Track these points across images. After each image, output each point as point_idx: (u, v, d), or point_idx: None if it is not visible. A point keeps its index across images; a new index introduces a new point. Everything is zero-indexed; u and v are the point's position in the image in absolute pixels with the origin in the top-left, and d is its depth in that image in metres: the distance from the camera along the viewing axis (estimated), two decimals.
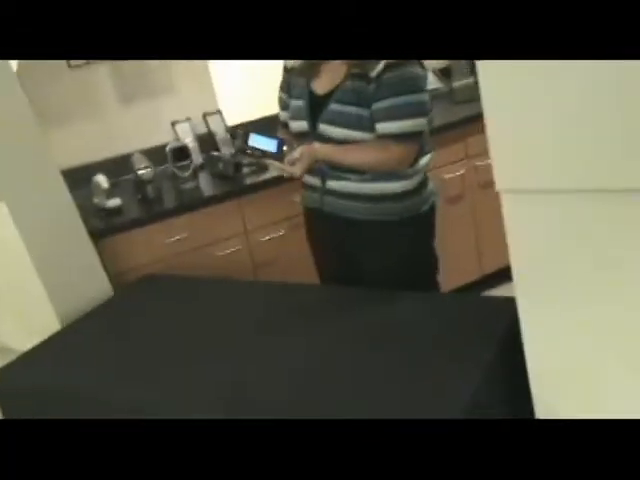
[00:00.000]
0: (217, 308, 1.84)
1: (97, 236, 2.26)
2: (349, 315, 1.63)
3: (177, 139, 2.78)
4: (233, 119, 2.97)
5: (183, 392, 1.44)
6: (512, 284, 1.27)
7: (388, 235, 1.85)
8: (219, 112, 2.94)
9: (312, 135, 1.83)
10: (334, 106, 1.78)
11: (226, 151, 2.74)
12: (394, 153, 1.74)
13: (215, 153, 2.74)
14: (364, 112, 1.73)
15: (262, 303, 1.84)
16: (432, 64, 3.06)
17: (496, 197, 1.21)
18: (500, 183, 1.17)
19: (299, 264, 2.26)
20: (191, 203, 2.50)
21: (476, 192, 2.85)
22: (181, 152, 2.62)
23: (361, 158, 1.77)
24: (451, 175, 2.80)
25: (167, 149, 2.61)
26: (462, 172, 2.83)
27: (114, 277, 2.25)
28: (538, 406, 1.37)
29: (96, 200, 2.46)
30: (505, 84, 1.12)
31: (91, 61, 2.74)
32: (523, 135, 1.13)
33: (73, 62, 2.72)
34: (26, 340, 1.90)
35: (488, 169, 1.20)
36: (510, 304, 1.29)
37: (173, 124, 2.86)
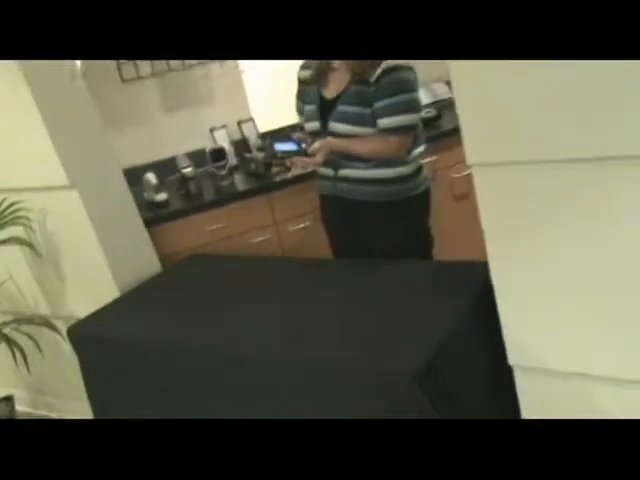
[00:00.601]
0: (253, 278, 2.21)
1: (147, 225, 2.63)
2: (353, 280, 2.00)
3: (215, 143, 3.17)
4: (264, 126, 3.35)
5: (243, 333, 1.80)
6: None
7: (391, 212, 2.20)
8: (252, 120, 3.32)
9: (323, 132, 2.20)
10: (341, 107, 2.14)
11: (258, 153, 3.11)
12: (394, 143, 2.10)
13: (248, 155, 3.12)
14: (366, 111, 2.09)
15: (285, 272, 2.23)
16: (444, 76, 3.40)
17: None
18: (470, 158, 1.46)
19: (321, 250, 2.61)
20: (227, 197, 2.87)
21: None
22: (219, 154, 3.00)
23: (368, 148, 2.13)
24: (458, 175, 3.14)
25: (207, 151, 2.99)
26: (469, 172, 3.15)
27: (162, 259, 2.62)
28: (511, 353, 1.63)
29: (146, 195, 2.85)
30: (473, 76, 1.37)
31: (141, 76, 3.15)
32: (488, 117, 1.39)
33: (125, 76, 3.13)
34: (90, 308, 2.28)
35: None
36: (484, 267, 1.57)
37: (211, 130, 3.25)
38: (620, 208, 1.35)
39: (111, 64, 3.08)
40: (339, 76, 2.17)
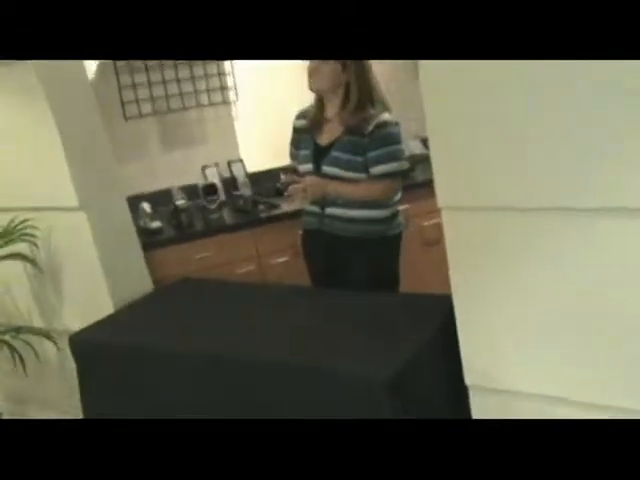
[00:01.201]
0: (237, 296, 2.46)
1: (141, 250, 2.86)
2: (328, 304, 2.25)
3: (206, 180, 3.43)
4: (251, 167, 3.63)
5: (227, 341, 2.02)
6: None
7: (368, 249, 2.48)
8: (241, 160, 3.60)
9: (316, 174, 2.48)
10: (334, 153, 2.43)
11: (245, 191, 3.37)
12: (383, 187, 2.42)
13: (236, 192, 3.38)
14: (357, 158, 2.39)
15: (266, 294, 2.50)
16: (419, 134, 3.72)
17: None
18: (441, 201, 1.67)
19: (299, 282, 2.86)
20: (216, 229, 3.12)
21: None
22: (210, 189, 3.26)
23: (360, 191, 2.42)
24: (428, 223, 3.43)
25: (199, 186, 3.25)
26: (438, 220, 3.45)
27: (153, 282, 2.84)
28: (468, 374, 1.79)
29: (141, 222, 3.07)
30: (448, 127, 1.55)
31: (143, 114, 3.41)
32: (459, 165, 1.58)
33: (128, 114, 3.39)
34: (84, 323, 2.47)
35: None
36: (447, 299, 1.76)
37: (203, 168, 3.51)
38: (568, 253, 1.55)
39: (116, 102, 3.34)
40: (332, 126, 2.47)
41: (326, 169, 2.46)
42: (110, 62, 3.35)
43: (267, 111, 3.68)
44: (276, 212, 3.17)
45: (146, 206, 3.11)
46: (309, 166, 2.52)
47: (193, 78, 3.58)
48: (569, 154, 1.45)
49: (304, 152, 2.55)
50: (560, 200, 1.51)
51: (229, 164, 3.57)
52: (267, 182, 3.47)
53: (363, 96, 2.39)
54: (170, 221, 3.16)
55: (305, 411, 1.77)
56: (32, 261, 2.62)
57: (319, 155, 2.49)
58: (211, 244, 3.07)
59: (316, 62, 2.37)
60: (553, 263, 1.57)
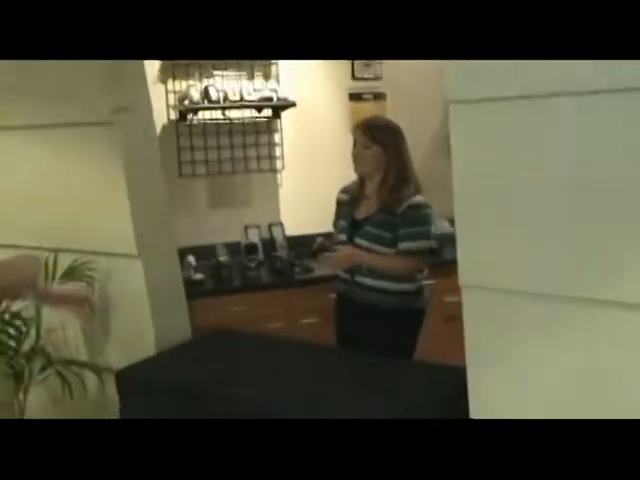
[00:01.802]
0: (269, 348, 2.67)
1: None
2: (349, 363, 2.45)
3: (248, 239, 3.71)
4: (290, 231, 3.90)
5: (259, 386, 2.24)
6: None
7: (391, 320, 2.68)
8: (281, 224, 3.88)
9: (349, 244, 2.73)
10: (366, 228, 2.69)
11: (282, 253, 3.64)
12: (411, 263, 2.65)
13: (275, 253, 3.65)
14: (387, 234, 2.64)
15: (297, 348, 2.70)
16: (447, 214, 3.96)
17: None
18: (462, 279, 1.83)
19: (324, 343, 3.07)
20: (253, 286, 3.38)
21: None
22: (251, 248, 3.53)
23: (390, 264, 2.66)
24: (450, 299, 3.63)
25: (242, 245, 3.52)
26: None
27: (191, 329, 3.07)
28: None
29: (185, 273, 3.34)
30: (473, 210, 1.71)
31: (197, 174, 3.73)
32: (482, 246, 1.72)
33: (183, 172, 3.71)
34: (126, 362, 2.69)
35: None
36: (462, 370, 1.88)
37: (246, 228, 3.79)
38: (574, 339, 1.67)
39: (174, 160, 3.67)
40: (369, 203, 2.73)
41: (357, 241, 2.71)
42: (173, 124, 3.70)
43: (309, 181, 3.98)
44: (310, 275, 3.42)
45: (191, 259, 3.39)
46: (343, 237, 2.77)
47: (245, 145, 3.91)
48: (583, 250, 1.61)
49: (342, 223, 2.82)
50: (572, 290, 1.65)
51: (270, 226, 3.85)
52: (304, 246, 3.73)
53: (399, 178, 2.65)
54: (212, 274, 3.42)
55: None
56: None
57: (354, 228, 2.75)
58: (247, 299, 3.32)
59: (359, 148, 2.66)
60: (559, 346, 1.71)
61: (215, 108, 3.73)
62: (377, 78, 4.27)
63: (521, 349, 1.78)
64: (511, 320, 1.80)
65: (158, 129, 3.59)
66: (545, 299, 1.70)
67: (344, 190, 2.89)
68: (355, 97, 4.23)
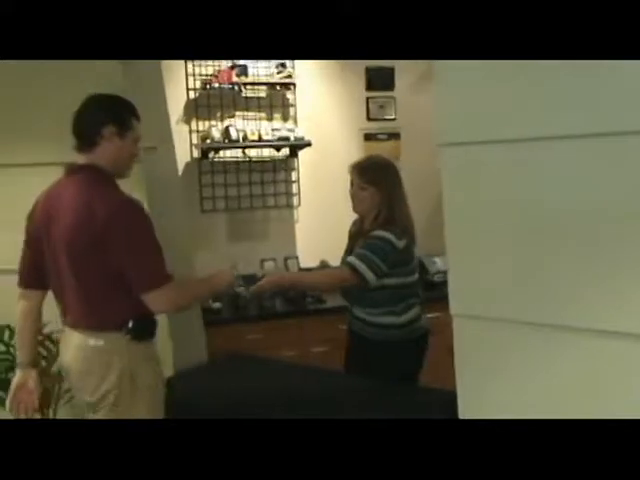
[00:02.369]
0: (283, 370, 2.84)
1: None
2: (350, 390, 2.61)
3: (264, 271, 3.90)
4: (304, 263, 4.08)
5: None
6: None
7: (387, 351, 2.78)
8: (296, 257, 4.07)
9: None
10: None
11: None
12: (333, 272, 2.83)
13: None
14: None
15: (306, 371, 2.87)
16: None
17: None
18: (453, 309, 1.94)
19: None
20: (267, 315, 3.56)
21: None
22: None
23: (312, 277, 2.93)
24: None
25: (258, 276, 3.70)
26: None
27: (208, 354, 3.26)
28: None
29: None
30: (465, 242, 1.81)
31: (217, 209, 3.96)
32: (470, 278, 1.79)
33: (205, 208, 3.94)
34: None
35: None
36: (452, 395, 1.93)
37: (262, 261, 3.99)
38: (561, 368, 1.72)
39: (196, 197, 3.90)
40: (361, 237, 2.89)
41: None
42: (196, 162, 3.94)
43: (323, 217, 4.17)
44: (322, 306, 3.59)
45: None
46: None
47: (263, 182, 4.13)
48: (571, 281, 1.68)
49: (344, 255, 2.99)
50: (559, 319, 1.72)
51: (286, 260, 4.04)
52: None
53: (388, 218, 2.75)
54: (229, 304, 3.61)
55: None
56: None
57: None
58: (261, 328, 3.50)
59: (355, 189, 2.80)
60: (548, 374, 1.75)
61: (235, 147, 3.95)
62: (391, 119, 4.48)
63: (511, 376, 1.84)
64: (501, 348, 1.87)
65: (181, 167, 3.84)
66: (534, 328, 1.78)
67: (354, 223, 3.06)
68: (370, 137, 4.44)
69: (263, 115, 4.10)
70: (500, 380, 1.85)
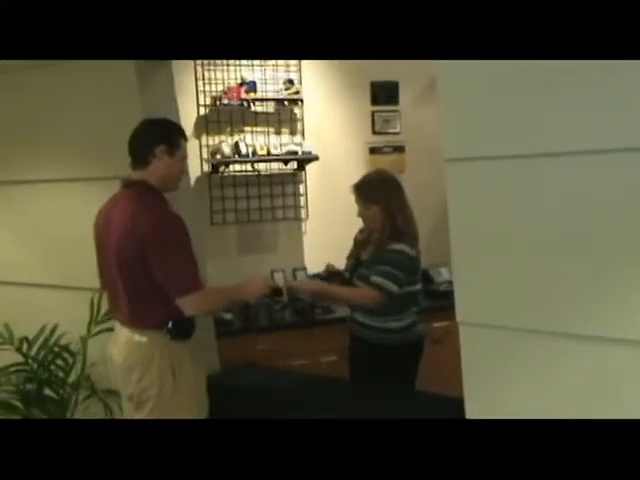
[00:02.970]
0: (294, 379, 2.92)
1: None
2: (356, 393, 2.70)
3: (273, 282, 3.97)
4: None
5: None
6: None
7: (385, 354, 2.89)
8: (304, 269, 4.15)
9: (349, 282, 3.00)
10: (361, 269, 2.95)
11: (305, 296, 3.89)
12: (368, 295, 2.86)
13: (298, 296, 3.91)
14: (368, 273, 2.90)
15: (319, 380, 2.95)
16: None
17: None
18: (459, 316, 2.02)
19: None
20: (278, 326, 3.64)
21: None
22: (277, 292, 3.79)
23: (348, 293, 3.00)
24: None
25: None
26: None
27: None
28: None
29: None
30: (468, 250, 1.90)
31: (227, 221, 4.04)
32: (475, 286, 1.88)
33: (214, 220, 4.03)
34: None
35: None
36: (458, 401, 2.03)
37: (272, 272, 4.07)
38: (560, 376, 1.82)
39: (206, 210, 3.99)
40: (370, 247, 3.00)
41: (354, 280, 2.99)
42: (206, 176, 4.03)
43: (331, 229, 4.24)
44: (330, 316, 3.67)
45: None
46: (347, 274, 3.05)
47: (271, 196, 4.22)
48: (576, 289, 1.76)
49: (351, 261, 3.08)
50: (563, 326, 1.79)
51: (294, 271, 4.12)
52: None
53: (394, 229, 2.87)
54: (240, 315, 3.69)
55: None
56: None
57: (356, 267, 3.02)
58: (272, 338, 3.58)
59: (361, 209, 2.92)
60: (553, 382, 1.83)
61: (245, 161, 4.04)
62: (396, 132, 4.57)
63: (517, 383, 1.91)
64: (507, 355, 1.93)
65: (192, 181, 3.92)
66: (539, 335, 1.85)
67: (361, 231, 3.15)
68: (375, 151, 4.53)
69: (271, 130, 4.19)
70: (506, 387, 1.91)
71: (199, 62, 4.02)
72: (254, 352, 3.49)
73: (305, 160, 4.18)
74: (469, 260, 2.02)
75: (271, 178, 4.24)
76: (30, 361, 2.90)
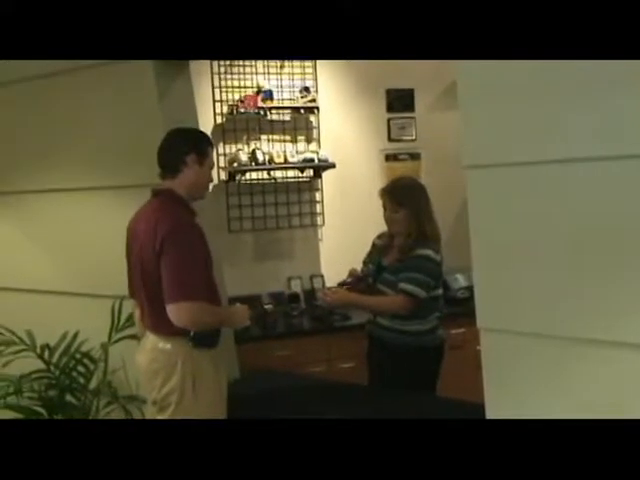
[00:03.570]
0: (312, 383, 2.93)
1: None
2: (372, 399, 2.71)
3: (291, 289, 4.00)
4: (329, 282, 4.17)
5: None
6: None
7: (406, 357, 2.90)
8: (321, 276, 4.17)
9: (373, 288, 3.00)
10: (385, 274, 2.97)
11: (322, 303, 3.90)
12: (399, 302, 2.87)
13: (316, 303, 3.93)
14: (395, 279, 2.91)
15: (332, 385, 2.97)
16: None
17: None
18: (480, 322, 2.03)
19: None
20: (295, 332, 3.66)
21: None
22: (293, 298, 3.82)
23: (377, 302, 2.98)
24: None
25: (286, 294, 3.82)
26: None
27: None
28: None
29: None
30: (489, 257, 1.91)
31: (244, 229, 4.07)
32: (497, 293, 1.90)
33: (232, 228, 4.06)
34: None
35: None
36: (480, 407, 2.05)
37: (289, 279, 4.10)
38: (582, 382, 1.84)
39: (224, 217, 4.02)
40: (393, 252, 3.01)
41: (378, 285, 3.00)
42: (223, 184, 4.07)
43: (347, 236, 4.26)
44: (348, 323, 3.68)
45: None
46: (369, 280, 3.05)
47: (288, 203, 4.24)
48: (599, 293, 1.77)
49: (370, 267, 3.09)
50: (584, 332, 1.80)
51: (311, 278, 4.14)
52: None
53: (420, 234, 2.91)
54: (258, 322, 3.71)
55: None
56: None
57: (378, 273, 3.02)
58: (290, 345, 3.59)
59: (389, 212, 2.95)
60: (573, 386, 1.85)
61: (261, 169, 4.07)
62: (412, 139, 4.59)
63: (538, 389, 1.92)
64: (528, 361, 1.95)
65: (210, 189, 3.95)
66: (561, 341, 1.86)
67: (379, 236, 3.17)
68: (391, 158, 4.55)
69: (288, 138, 4.22)
70: (527, 392, 1.92)
71: (216, 71, 4.07)
72: (272, 359, 3.51)
73: (321, 167, 4.21)
74: (490, 266, 2.04)
75: (288, 185, 4.27)
76: (52, 368, 2.93)
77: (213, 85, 4.07)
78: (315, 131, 4.29)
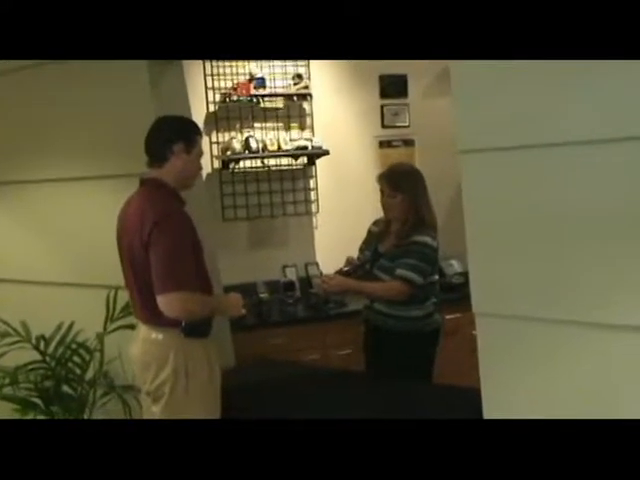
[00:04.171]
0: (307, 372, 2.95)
1: None
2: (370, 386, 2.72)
3: (286, 277, 4.00)
4: (325, 269, 4.17)
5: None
6: None
7: (407, 341, 2.92)
8: (316, 263, 4.17)
9: (370, 274, 3.00)
10: (382, 261, 2.98)
11: (319, 291, 3.91)
12: (397, 287, 2.89)
13: (311, 290, 3.93)
14: (392, 265, 2.92)
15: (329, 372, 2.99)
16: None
17: None
18: (475, 307, 2.04)
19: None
20: (290, 320, 3.66)
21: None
22: (289, 286, 3.82)
23: (375, 288, 2.97)
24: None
25: (281, 282, 3.82)
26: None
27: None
28: None
29: None
30: (484, 242, 1.92)
31: (238, 218, 4.06)
32: (491, 276, 1.92)
33: (226, 216, 4.05)
34: None
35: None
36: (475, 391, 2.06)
37: (284, 267, 4.09)
38: (578, 365, 1.85)
39: (218, 206, 4.01)
40: (390, 239, 3.02)
41: (375, 271, 3.00)
42: (217, 172, 4.05)
43: (342, 223, 4.25)
44: (343, 310, 3.69)
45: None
46: (367, 267, 3.05)
47: (282, 191, 4.23)
48: (594, 276, 1.78)
49: (367, 253, 3.10)
50: (577, 315, 1.81)
51: (306, 266, 4.14)
52: None
53: (417, 220, 2.92)
54: (253, 310, 3.71)
55: None
56: None
57: (375, 259, 3.03)
58: (285, 333, 3.60)
59: (386, 197, 2.95)
60: (568, 369, 1.87)
61: (255, 157, 4.05)
62: (405, 126, 4.57)
63: (533, 372, 1.94)
64: (524, 345, 1.97)
65: (203, 177, 3.93)
66: (556, 324, 1.87)
67: (375, 223, 3.17)
68: (385, 144, 4.54)
69: (281, 125, 4.20)
70: (524, 377, 1.94)
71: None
72: (268, 347, 3.51)
73: (315, 155, 4.20)
74: (484, 251, 2.04)
75: (281, 173, 4.25)
76: (48, 359, 2.92)
77: (205, 73, 4.04)
78: (308, 118, 4.28)
